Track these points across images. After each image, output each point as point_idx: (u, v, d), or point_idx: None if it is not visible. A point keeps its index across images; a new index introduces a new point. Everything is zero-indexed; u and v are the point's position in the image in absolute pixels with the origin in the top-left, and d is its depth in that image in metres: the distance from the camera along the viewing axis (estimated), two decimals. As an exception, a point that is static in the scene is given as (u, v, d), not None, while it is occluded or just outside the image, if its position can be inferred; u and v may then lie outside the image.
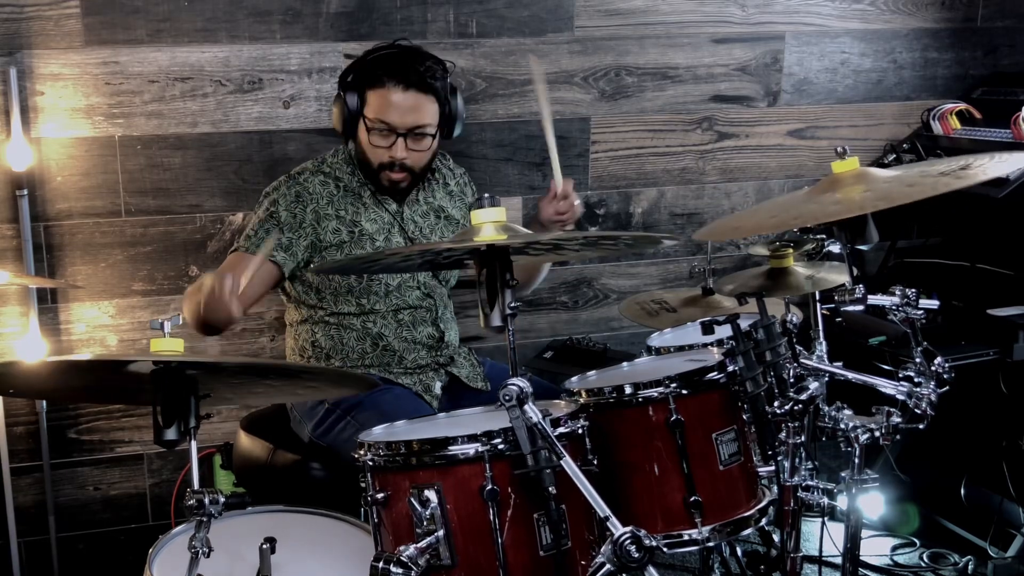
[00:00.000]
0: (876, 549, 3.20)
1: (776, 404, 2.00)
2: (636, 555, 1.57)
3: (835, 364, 2.15)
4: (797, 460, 2.07)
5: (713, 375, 1.98)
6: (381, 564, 1.63)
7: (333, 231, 2.54)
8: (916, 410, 2.07)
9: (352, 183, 2.60)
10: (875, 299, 2.11)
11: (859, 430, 2.07)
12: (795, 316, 2.15)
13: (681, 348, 2.38)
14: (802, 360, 2.12)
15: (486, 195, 1.83)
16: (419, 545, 1.69)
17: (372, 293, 2.57)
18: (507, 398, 1.66)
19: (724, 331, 2.04)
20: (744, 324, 2.01)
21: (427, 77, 2.48)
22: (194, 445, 1.77)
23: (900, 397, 2.08)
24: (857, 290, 2.10)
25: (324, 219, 2.54)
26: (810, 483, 2.08)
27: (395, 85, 2.46)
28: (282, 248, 2.50)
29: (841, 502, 2.11)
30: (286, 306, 2.72)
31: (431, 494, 1.71)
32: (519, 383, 1.66)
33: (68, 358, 1.88)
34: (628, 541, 1.57)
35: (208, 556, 1.64)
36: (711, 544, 1.96)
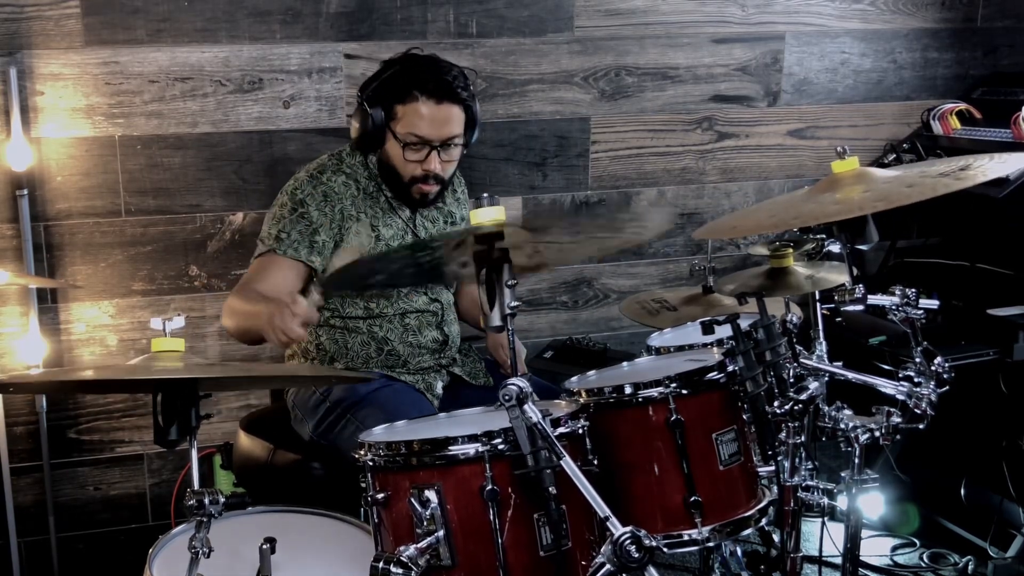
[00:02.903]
0: (876, 549, 3.20)
1: (776, 404, 2.00)
2: (636, 555, 1.57)
3: (835, 364, 2.15)
4: (797, 460, 2.07)
5: (713, 375, 1.98)
6: (381, 564, 1.63)
7: (355, 232, 2.53)
8: (916, 410, 2.07)
9: (370, 187, 2.58)
10: (875, 299, 2.12)
11: (859, 430, 2.07)
12: (795, 316, 2.16)
13: (681, 348, 2.38)
14: (802, 360, 2.12)
15: (485, 195, 1.82)
16: (419, 545, 1.69)
17: (383, 297, 2.56)
18: (507, 398, 1.66)
19: (724, 331, 2.04)
20: (744, 324, 2.01)
21: (457, 88, 2.47)
22: (194, 445, 1.77)
23: (900, 397, 2.08)
24: (857, 290, 2.11)
25: (348, 220, 2.52)
26: (810, 483, 2.08)
27: (428, 98, 2.44)
28: (318, 252, 2.47)
29: (841, 502, 2.11)
30: None
31: (431, 494, 1.70)
32: (519, 383, 1.65)
33: (71, 378, 1.89)
34: (628, 541, 1.57)
35: (208, 556, 1.64)
36: (711, 544, 1.96)
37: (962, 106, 3.48)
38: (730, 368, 1.99)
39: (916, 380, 2.08)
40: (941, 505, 3.27)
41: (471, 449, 1.72)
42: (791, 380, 2.06)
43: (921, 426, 2.08)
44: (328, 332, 2.60)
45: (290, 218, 2.48)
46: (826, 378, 2.13)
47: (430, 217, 2.69)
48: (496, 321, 1.79)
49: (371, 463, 1.79)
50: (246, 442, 2.62)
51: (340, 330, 2.59)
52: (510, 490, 1.72)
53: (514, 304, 1.79)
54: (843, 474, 2.11)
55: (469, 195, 2.86)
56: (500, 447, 1.71)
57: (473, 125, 2.54)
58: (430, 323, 2.64)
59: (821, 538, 2.24)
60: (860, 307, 2.12)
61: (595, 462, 1.84)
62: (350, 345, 2.59)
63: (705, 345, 2.20)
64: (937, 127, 3.48)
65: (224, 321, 2.41)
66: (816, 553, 2.33)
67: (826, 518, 2.18)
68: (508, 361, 2.68)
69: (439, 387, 2.63)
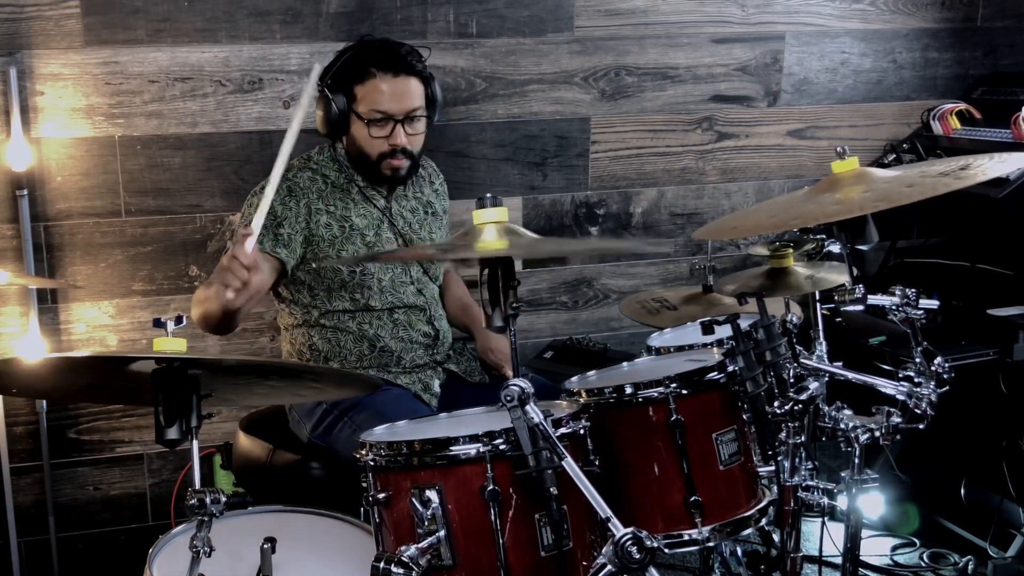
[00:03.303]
0: (876, 549, 3.20)
1: (776, 404, 2.00)
2: (637, 556, 1.57)
3: (835, 364, 2.15)
4: (797, 460, 2.07)
5: (713, 375, 1.98)
6: (382, 564, 1.63)
7: (325, 225, 2.55)
8: (916, 410, 2.07)
9: (339, 180, 2.61)
10: (875, 299, 2.12)
11: (859, 430, 2.07)
12: (795, 316, 2.15)
13: (681, 348, 2.38)
14: (802, 360, 2.12)
15: (488, 195, 1.82)
16: (420, 545, 1.69)
17: (365, 287, 2.57)
18: (508, 399, 1.66)
19: (724, 331, 2.04)
20: (744, 324, 2.01)
21: (412, 61, 2.53)
22: (195, 445, 1.77)
23: (900, 397, 2.08)
24: (857, 290, 2.10)
25: (315, 213, 2.55)
26: (810, 483, 2.08)
27: (384, 73, 2.49)
28: (283, 244, 2.50)
29: (841, 502, 2.11)
30: (279, 310, 2.71)
31: (432, 494, 1.71)
32: (521, 383, 1.66)
33: (69, 354, 1.89)
34: (629, 542, 1.57)
35: (209, 556, 1.64)
36: (711, 544, 1.97)
37: (962, 106, 3.48)
38: (730, 368, 1.99)
39: (916, 380, 2.08)
40: (941, 505, 3.27)
41: (472, 449, 1.72)
42: (791, 380, 2.06)
43: (921, 426, 2.08)
44: (320, 332, 2.61)
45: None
46: (826, 378, 2.13)
47: (407, 206, 2.69)
48: (498, 321, 1.79)
49: (372, 463, 1.79)
50: (246, 442, 2.62)
51: (331, 329, 2.60)
52: (511, 490, 1.72)
53: (516, 304, 1.79)
54: (843, 474, 2.11)
55: (469, 196, 2.86)
56: (501, 447, 1.72)
57: (434, 100, 2.58)
58: (419, 318, 2.65)
59: (821, 538, 2.24)
60: (860, 307, 2.12)
61: (596, 462, 1.84)
62: (343, 343, 2.59)
63: (705, 345, 2.20)
64: (937, 127, 3.48)
65: (192, 312, 2.41)
66: (816, 553, 2.33)
67: (826, 518, 2.18)
68: (499, 364, 2.69)
69: (436, 385, 2.64)
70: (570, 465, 1.64)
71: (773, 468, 2.03)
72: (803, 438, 2.07)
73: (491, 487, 1.70)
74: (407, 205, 2.70)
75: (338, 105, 2.52)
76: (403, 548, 1.67)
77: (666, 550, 1.88)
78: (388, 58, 2.50)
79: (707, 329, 2.09)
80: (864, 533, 2.33)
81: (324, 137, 2.62)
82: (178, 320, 1.76)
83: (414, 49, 2.56)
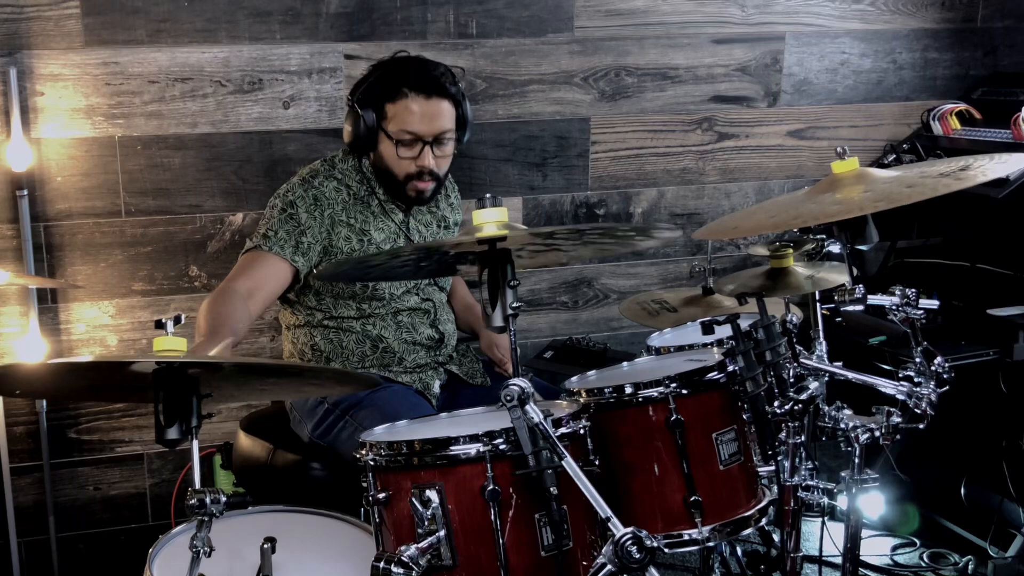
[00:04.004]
0: (876, 549, 3.20)
1: (776, 404, 2.00)
2: (637, 556, 1.57)
3: (835, 364, 2.15)
4: (797, 460, 2.07)
5: (713, 375, 1.98)
6: (382, 564, 1.63)
7: (345, 238, 2.54)
8: (916, 410, 2.07)
9: (361, 191, 2.59)
10: (875, 299, 2.12)
11: (859, 430, 2.07)
12: (795, 316, 2.16)
13: (681, 348, 2.38)
14: (802, 360, 2.12)
15: (488, 195, 1.82)
16: (420, 545, 1.69)
17: (375, 299, 2.57)
18: (508, 398, 1.66)
19: (724, 331, 2.04)
20: (744, 324, 2.01)
21: (445, 83, 2.50)
22: (195, 444, 1.77)
23: (900, 397, 2.08)
24: (857, 290, 2.11)
25: (338, 225, 2.54)
26: (810, 483, 2.09)
27: (417, 95, 2.47)
28: (302, 253, 2.49)
29: (841, 502, 2.12)
30: (280, 309, 2.71)
31: (432, 494, 1.71)
32: (520, 383, 1.66)
33: (70, 360, 1.88)
34: (629, 542, 1.57)
35: (209, 555, 1.64)
36: (711, 544, 1.96)
37: (962, 106, 3.48)
38: (730, 368, 1.99)
39: (916, 380, 2.09)
40: (941, 505, 3.27)
41: (472, 449, 1.72)
42: (791, 380, 2.06)
43: (921, 426, 2.08)
44: (322, 332, 2.61)
45: (279, 218, 2.50)
46: (826, 378, 2.13)
47: (423, 221, 2.69)
48: (498, 321, 1.79)
49: (372, 463, 1.79)
50: (246, 442, 2.62)
51: (334, 330, 2.60)
52: (511, 490, 1.72)
53: (516, 304, 1.79)
54: (843, 474, 2.11)
55: (469, 196, 2.86)
56: (501, 447, 1.72)
57: (464, 122, 2.57)
58: (423, 321, 2.65)
59: (821, 538, 2.25)
60: (860, 307, 2.12)
61: (596, 462, 1.84)
62: (345, 344, 2.59)
63: (705, 345, 2.20)
64: (937, 127, 3.48)
65: (197, 320, 2.39)
66: (816, 553, 2.33)
67: (826, 518, 2.18)
68: (503, 360, 2.69)
69: (436, 386, 2.64)
70: (570, 465, 1.64)
71: (773, 468, 2.03)
72: (803, 438, 2.07)
73: (491, 487, 1.70)
74: (423, 219, 2.70)
75: (367, 121, 2.50)
76: (403, 548, 1.67)
77: (666, 550, 1.88)
78: (422, 79, 2.48)
79: (707, 329, 2.09)
80: (864, 533, 2.34)
81: (350, 149, 2.60)
82: (176, 320, 1.76)
83: (449, 70, 2.54)
